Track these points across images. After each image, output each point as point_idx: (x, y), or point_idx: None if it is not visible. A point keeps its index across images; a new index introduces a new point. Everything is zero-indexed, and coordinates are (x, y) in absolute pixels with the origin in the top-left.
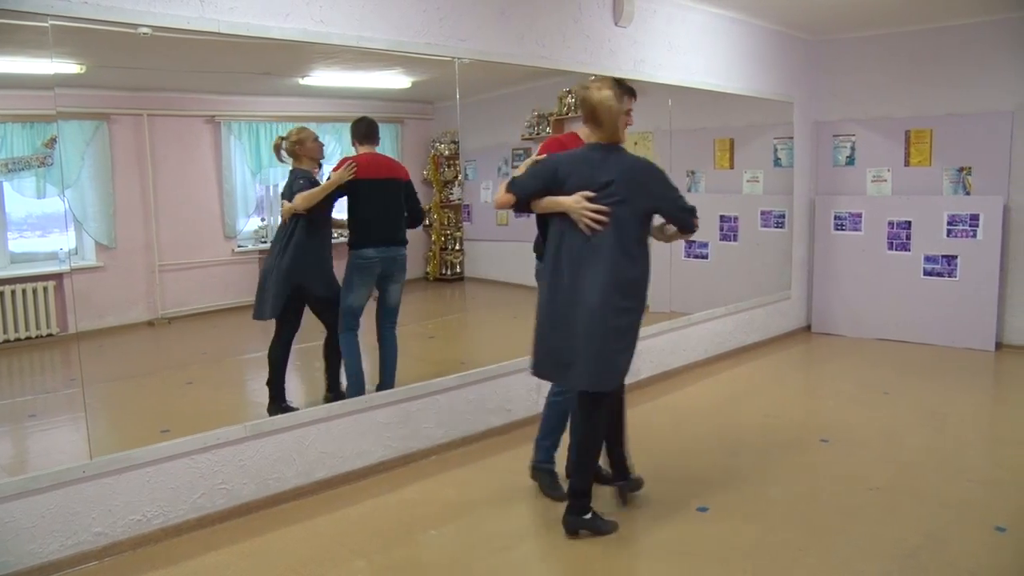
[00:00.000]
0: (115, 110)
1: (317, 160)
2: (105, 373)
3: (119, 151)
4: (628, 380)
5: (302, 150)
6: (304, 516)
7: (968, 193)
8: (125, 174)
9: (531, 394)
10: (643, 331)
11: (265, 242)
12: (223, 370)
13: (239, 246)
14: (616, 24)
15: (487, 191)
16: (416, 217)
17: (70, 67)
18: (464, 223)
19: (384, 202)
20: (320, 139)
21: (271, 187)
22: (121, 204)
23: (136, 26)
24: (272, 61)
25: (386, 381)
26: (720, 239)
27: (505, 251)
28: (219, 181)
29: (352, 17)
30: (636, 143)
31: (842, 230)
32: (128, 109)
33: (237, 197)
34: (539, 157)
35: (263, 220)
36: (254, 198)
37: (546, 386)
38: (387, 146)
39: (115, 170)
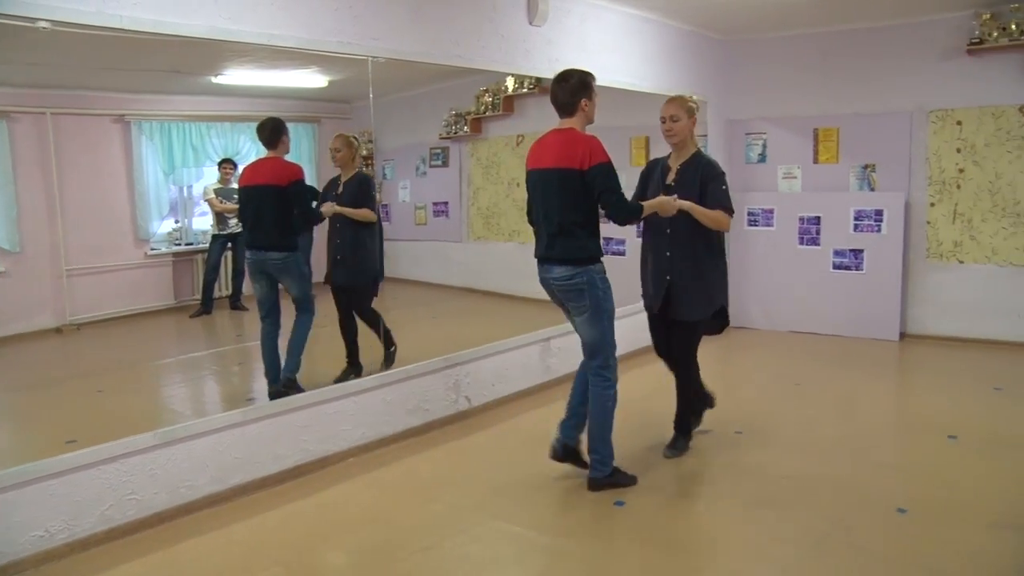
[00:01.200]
0: (15, 108)
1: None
2: (8, 383)
3: (21, 151)
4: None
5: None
6: (219, 524)
7: (873, 189)
8: (28, 175)
9: (449, 394)
10: (564, 327)
11: (179, 244)
12: (136, 377)
13: (152, 249)
14: (531, 24)
15: (405, 190)
16: (307, 219)
17: None
18: (383, 223)
19: (255, 209)
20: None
21: (185, 188)
22: (25, 206)
23: (33, 19)
24: (182, 59)
25: (285, 364)
26: (637, 236)
27: (424, 251)
28: (130, 182)
29: (262, 14)
30: None
31: (755, 226)
32: (30, 107)
33: (150, 199)
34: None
35: (177, 222)
36: (168, 200)
37: (464, 385)
38: (304, 146)
39: (16, 171)
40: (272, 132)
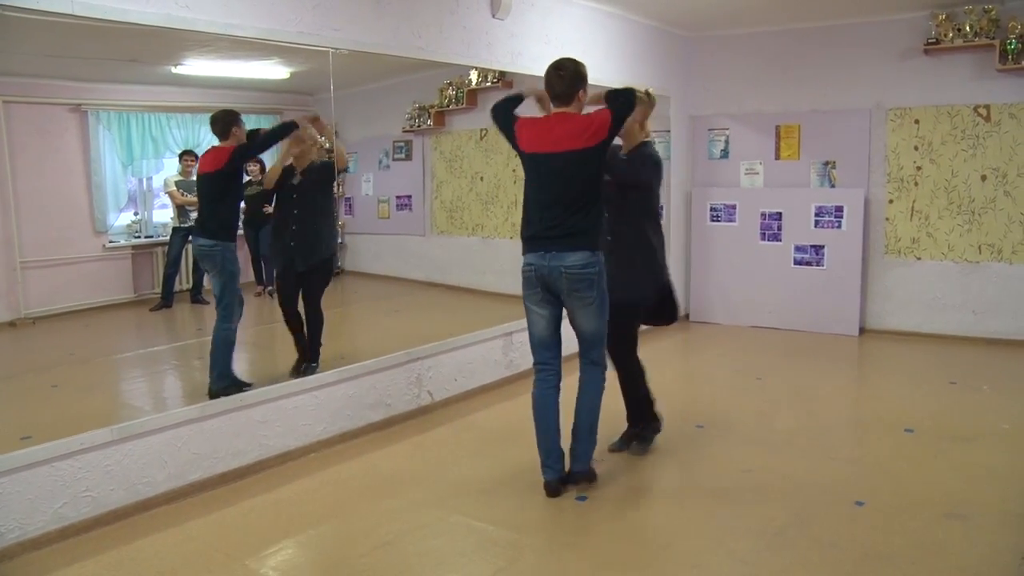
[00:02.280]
0: None
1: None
2: None
3: None
4: None
5: None
6: (177, 521)
7: (833, 186)
8: None
9: (411, 388)
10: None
11: (139, 237)
12: (93, 372)
13: (111, 241)
14: (493, 16)
15: (368, 183)
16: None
17: None
18: (345, 216)
19: (198, 196)
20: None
21: (144, 180)
22: None
23: None
24: (139, 47)
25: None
26: None
27: (387, 245)
28: (87, 173)
29: (218, 3)
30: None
31: (717, 221)
32: None
33: (107, 190)
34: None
35: (136, 214)
36: (126, 191)
37: (426, 379)
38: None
39: None
40: (224, 124)
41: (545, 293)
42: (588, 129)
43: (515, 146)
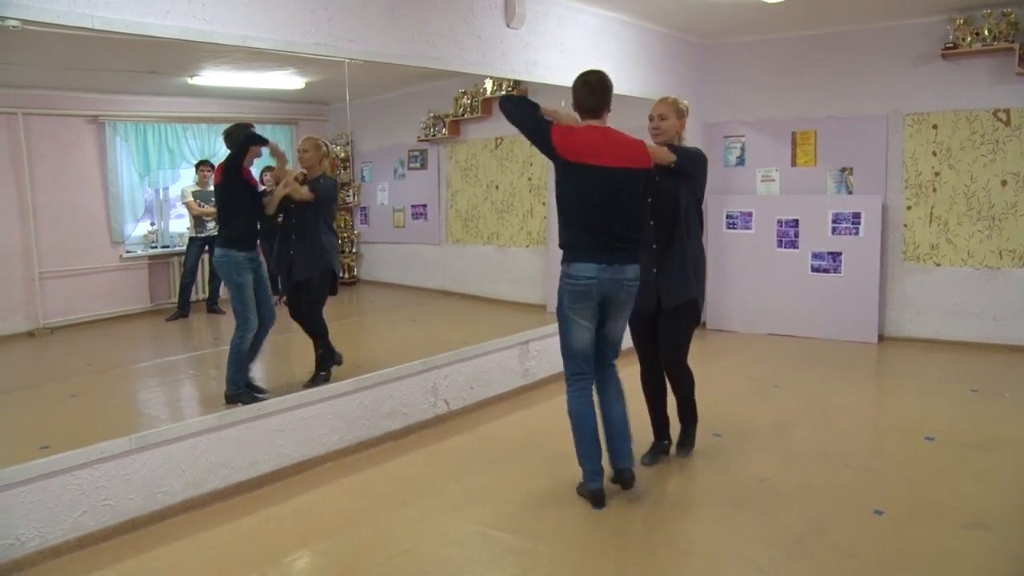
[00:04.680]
0: None
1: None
2: None
3: None
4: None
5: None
6: (194, 529)
7: (850, 192)
8: None
9: (427, 397)
10: (542, 330)
11: (155, 247)
12: (110, 381)
13: (128, 252)
14: (508, 26)
15: (383, 192)
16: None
17: None
18: (361, 225)
19: (216, 206)
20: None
21: (161, 190)
22: None
23: (3, 18)
24: (158, 59)
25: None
26: None
27: (403, 253)
28: (104, 184)
29: (236, 15)
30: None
31: (734, 228)
32: (1, 107)
33: (124, 201)
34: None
35: (153, 225)
36: (143, 202)
37: (442, 388)
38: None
39: None
40: (233, 139)
41: (595, 305)
42: (640, 150)
43: (550, 152)
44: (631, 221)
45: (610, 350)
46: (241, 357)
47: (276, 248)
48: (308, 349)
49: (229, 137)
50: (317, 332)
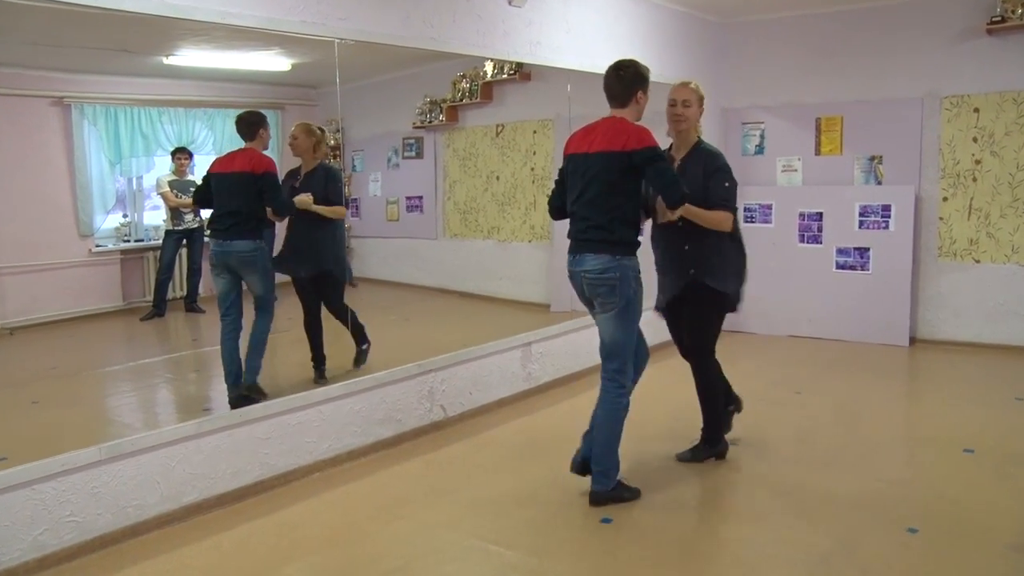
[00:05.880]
0: None
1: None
2: None
3: None
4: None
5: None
6: (170, 546)
7: (880, 183)
8: None
9: (423, 402)
10: (546, 331)
11: (128, 240)
12: (77, 386)
13: (97, 245)
14: (510, 4)
15: (375, 183)
16: (278, 211)
17: None
18: (351, 219)
19: (226, 197)
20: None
21: (134, 179)
22: None
23: None
24: (130, 37)
25: (247, 368)
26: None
27: (397, 248)
28: (71, 172)
29: None
30: (535, 131)
31: (752, 222)
32: None
33: (93, 190)
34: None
35: (125, 216)
36: (114, 192)
37: (439, 393)
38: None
39: None
40: (248, 125)
41: (584, 298)
42: (629, 134)
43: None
44: (601, 206)
45: (601, 349)
46: (264, 346)
47: (289, 242)
48: (305, 350)
49: (242, 123)
50: (347, 318)
